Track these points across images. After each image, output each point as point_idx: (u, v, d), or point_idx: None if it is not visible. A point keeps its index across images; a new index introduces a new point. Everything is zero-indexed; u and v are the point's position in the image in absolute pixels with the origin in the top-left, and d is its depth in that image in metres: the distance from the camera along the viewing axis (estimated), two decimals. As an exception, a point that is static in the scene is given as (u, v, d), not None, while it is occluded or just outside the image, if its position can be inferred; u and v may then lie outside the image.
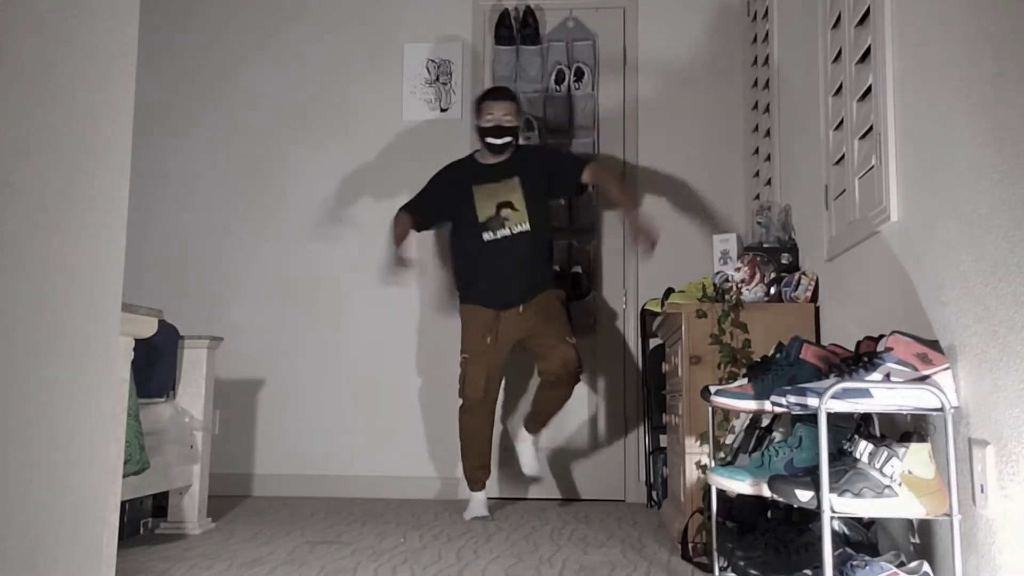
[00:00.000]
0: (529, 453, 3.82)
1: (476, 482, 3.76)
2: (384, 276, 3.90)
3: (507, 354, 3.78)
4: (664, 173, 4.51)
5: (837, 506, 1.76)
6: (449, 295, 4.15)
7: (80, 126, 1.28)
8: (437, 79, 4.65)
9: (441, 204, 3.86)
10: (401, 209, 3.93)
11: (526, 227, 3.72)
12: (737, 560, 2.23)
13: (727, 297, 3.00)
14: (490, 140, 3.77)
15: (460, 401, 3.76)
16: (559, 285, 3.89)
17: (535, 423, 3.82)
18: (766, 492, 1.94)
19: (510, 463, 4.36)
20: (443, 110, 4.64)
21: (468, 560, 2.76)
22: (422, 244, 4.37)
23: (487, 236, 3.73)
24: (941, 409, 1.78)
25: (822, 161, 2.85)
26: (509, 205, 3.74)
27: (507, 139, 3.76)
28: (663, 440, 3.95)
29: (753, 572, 2.19)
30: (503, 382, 3.87)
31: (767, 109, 3.82)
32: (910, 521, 2.01)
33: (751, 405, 2.22)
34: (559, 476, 4.33)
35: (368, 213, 4.61)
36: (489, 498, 4.26)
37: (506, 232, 3.73)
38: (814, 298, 2.98)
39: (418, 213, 3.90)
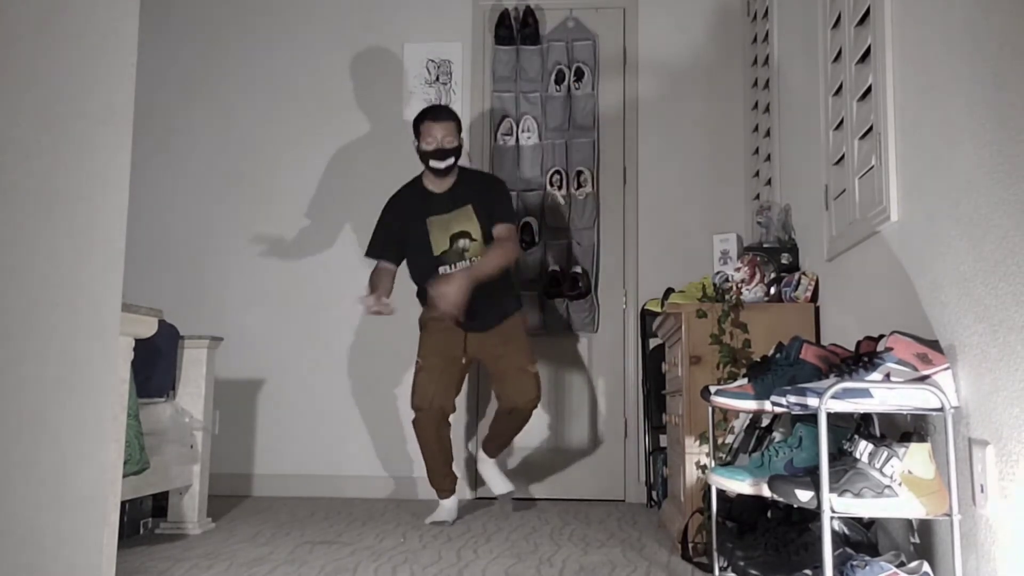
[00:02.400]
0: (493, 475, 3.76)
1: (440, 491, 3.68)
2: (366, 310, 3.56)
3: (464, 367, 3.68)
4: (664, 173, 4.51)
5: (837, 506, 1.76)
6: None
7: (80, 126, 1.28)
8: (437, 79, 4.65)
9: (399, 238, 3.68)
10: (374, 258, 3.70)
11: None
12: (737, 560, 2.23)
13: (727, 297, 3.00)
14: (433, 164, 3.57)
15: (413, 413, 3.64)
16: (521, 308, 3.76)
17: (494, 447, 3.76)
18: (766, 492, 1.94)
19: (511, 466, 4.37)
20: (443, 110, 4.64)
21: (468, 560, 2.76)
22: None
23: (443, 270, 3.55)
24: (941, 409, 1.78)
25: (822, 161, 2.85)
26: (466, 235, 3.59)
27: (450, 160, 3.58)
28: (663, 440, 3.95)
29: (753, 572, 2.19)
30: (459, 394, 3.75)
31: (767, 109, 3.82)
32: (910, 521, 2.01)
33: (751, 405, 2.22)
34: (559, 476, 4.33)
35: (368, 213, 4.61)
36: (488, 498, 4.27)
37: (466, 263, 3.55)
38: (814, 298, 2.98)
39: (391, 251, 3.68)
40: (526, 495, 4.31)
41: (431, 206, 3.64)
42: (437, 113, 3.66)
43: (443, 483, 3.67)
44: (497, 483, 3.77)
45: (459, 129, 3.66)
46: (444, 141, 3.57)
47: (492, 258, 3.53)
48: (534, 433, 4.37)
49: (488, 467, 3.78)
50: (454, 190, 3.65)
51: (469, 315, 3.51)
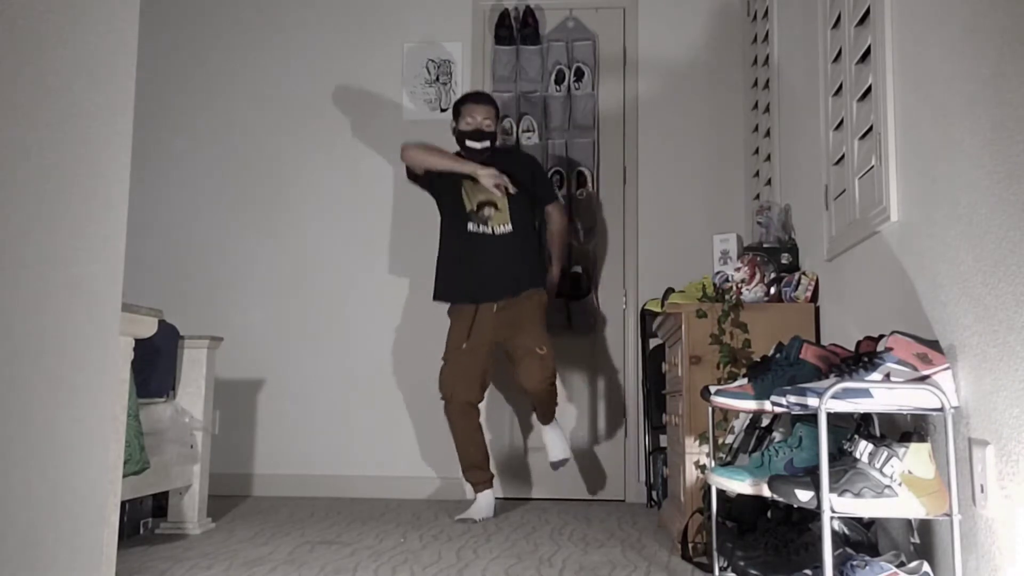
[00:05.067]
0: (549, 440, 3.78)
1: (473, 483, 3.73)
2: (496, 183, 3.68)
3: (485, 355, 3.72)
4: (664, 173, 4.51)
5: (837, 506, 1.76)
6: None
7: (80, 125, 1.28)
8: (437, 79, 4.65)
9: (433, 179, 3.83)
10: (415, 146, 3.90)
11: (508, 228, 3.71)
12: (737, 560, 2.23)
13: (727, 297, 3.00)
14: (470, 144, 3.75)
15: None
16: (543, 285, 3.80)
17: (541, 415, 3.81)
18: (766, 492, 1.94)
19: (511, 465, 4.37)
20: (443, 110, 4.63)
21: (468, 560, 2.76)
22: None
23: (471, 227, 3.73)
24: (941, 409, 1.78)
25: (822, 161, 2.85)
26: (492, 205, 3.72)
27: (486, 143, 3.75)
28: (663, 440, 3.95)
29: (753, 572, 2.19)
30: (486, 382, 3.79)
31: (767, 109, 3.82)
32: (910, 521, 2.01)
33: (751, 405, 2.22)
34: (559, 476, 4.32)
35: (367, 213, 4.61)
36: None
37: (488, 230, 3.72)
38: (814, 298, 2.98)
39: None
40: (525, 494, 4.32)
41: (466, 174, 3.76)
42: (479, 96, 3.87)
43: (474, 475, 3.72)
44: (554, 449, 3.76)
45: (498, 116, 3.86)
46: (483, 124, 3.75)
47: (561, 243, 3.88)
48: (535, 433, 4.37)
49: (545, 432, 3.80)
50: (487, 163, 3.74)
51: (477, 286, 3.70)
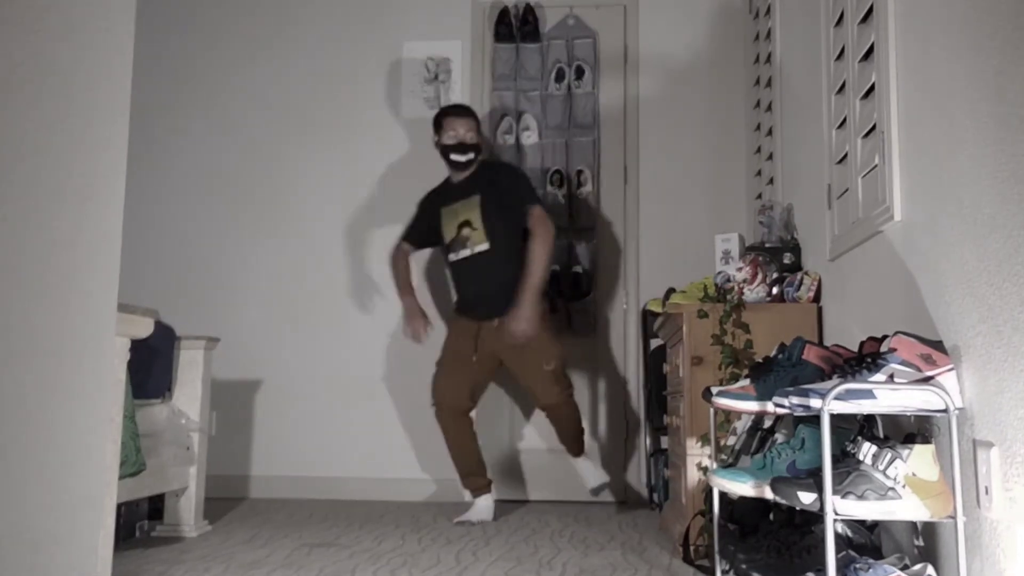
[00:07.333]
0: (582, 469, 3.76)
1: (470, 489, 3.71)
2: (409, 333, 3.85)
3: (486, 370, 3.73)
4: (665, 172, 4.49)
5: (840, 508, 1.74)
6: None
7: (76, 125, 1.26)
8: (436, 77, 4.64)
9: (426, 228, 3.87)
10: (400, 239, 3.99)
11: (485, 246, 3.66)
12: (739, 563, 2.21)
13: (729, 297, 2.99)
14: (454, 157, 3.72)
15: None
16: (547, 296, 3.73)
17: (569, 448, 3.78)
18: (768, 494, 1.93)
19: (510, 467, 4.35)
20: (443, 109, 4.62)
21: (467, 563, 2.74)
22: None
23: (452, 256, 3.75)
24: (945, 410, 1.76)
25: (825, 160, 2.83)
26: (468, 224, 3.71)
27: (470, 155, 3.72)
28: (664, 441, 3.94)
29: (755, 575, 2.17)
30: (478, 393, 3.77)
31: (769, 107, 3.81)
32: (914, 523, 1.99)
33: (753, 406, 2.20)
34: (559, 477, 4.31)
35: (367, 212, 4.60)
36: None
37: (467, 252, 3.69)
38: (816, 298, 2.96)
39: (413, 236, 3.95)
40: (524, 496, 4.30)
41: (446, 197, 3.81)
42: (459, 110, 3.84)
43: (470, 482, 3.71)
44: (589, 477, 3.75)
45: (479, 127, 3.82)
46: (466, 136, 3.73)
47: (535, 257, 3.58)
48: (535, 434, 4.36)
49: (577, 464, 3.77)
50: (468, 181, 3.78)
51: (474, 307, 3.69)
